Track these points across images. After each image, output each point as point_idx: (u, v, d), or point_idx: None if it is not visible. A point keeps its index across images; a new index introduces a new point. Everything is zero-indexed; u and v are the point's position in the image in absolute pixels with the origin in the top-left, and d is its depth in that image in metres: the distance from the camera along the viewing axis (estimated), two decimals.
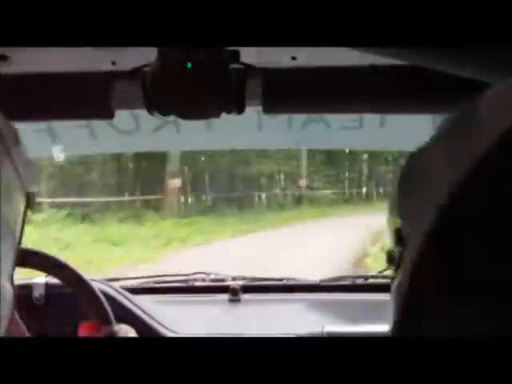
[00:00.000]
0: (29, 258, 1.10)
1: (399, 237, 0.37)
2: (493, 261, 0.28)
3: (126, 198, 14.75)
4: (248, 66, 0.82)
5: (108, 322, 1.06)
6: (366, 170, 23.59)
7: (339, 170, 22.51)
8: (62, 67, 0.85)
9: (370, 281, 1.59)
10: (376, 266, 5.72)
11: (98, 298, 1.08)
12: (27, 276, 1.32)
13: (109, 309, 1.08)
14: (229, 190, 17.13)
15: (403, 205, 0.37)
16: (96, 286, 1.11)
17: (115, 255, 8.22)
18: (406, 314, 0.32)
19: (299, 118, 1.23)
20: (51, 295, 1.26)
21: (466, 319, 0.29)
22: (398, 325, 0.33)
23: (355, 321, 1.31)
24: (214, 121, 1.18)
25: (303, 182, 17.10)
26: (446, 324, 0.30)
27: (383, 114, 1.16)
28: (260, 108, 0.88)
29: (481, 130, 0.32)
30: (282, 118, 1.24)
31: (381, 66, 0.81)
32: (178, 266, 6.47)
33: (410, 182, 0.38)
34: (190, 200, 17.16)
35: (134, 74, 0.82)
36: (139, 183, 15.39)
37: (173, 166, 14.08)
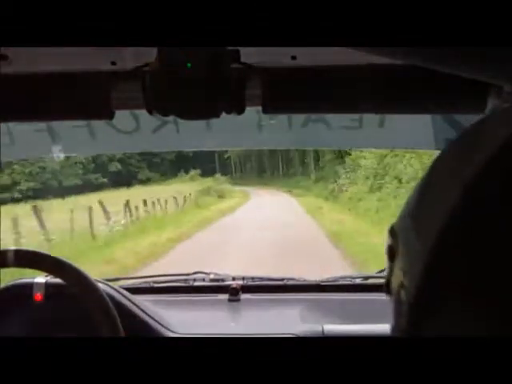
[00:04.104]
0: (34, 260, 1.10)
1: (390, 253, 0.39)
2: (504, 261, 0.28)
3: None
4: (248, 66, 0.82)
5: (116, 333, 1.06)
6: None
7: None
8: (62, 67, 0.85)
9: (370, 281, 1.59)
10: None
11: (108, 307, 1.08)
12: (27, 276, 1.32)
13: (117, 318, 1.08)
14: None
15: (417, 207, 0.38)
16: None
17: None
18: (419, 313, 0.32)
19: (299, 117, 1.22)
20: (51, 295, 1.26)
21: (479, 320, 0.29)
22: (410, 325, 0.33)
23: (354, 321, 1.31)
24: (214, 121, 1.18)
25: None
26: (458, 324, 0.30)
27: (383, 113, 1.16)
28: (260, 108, 0.88)
29: (492, 134, 0.32)
30: (282, 118, 1.24)
31: (381, 66, 0.81)
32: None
33: (426, 187, 0.39)
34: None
35: (134, 73, 0.82)
36: None
37: None
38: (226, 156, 31.82)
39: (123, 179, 24.79)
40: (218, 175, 29.14)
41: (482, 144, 0.32)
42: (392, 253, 0.40)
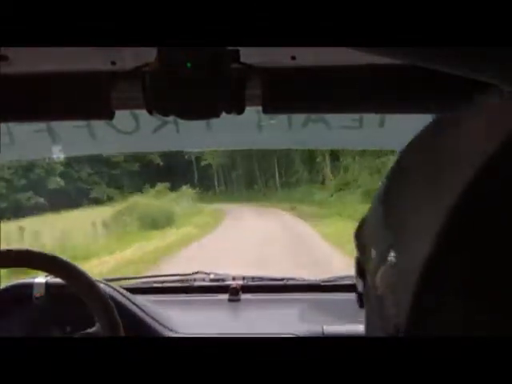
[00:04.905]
0: (38, 261, 1.10)
1: (359, 267, 0.39)
2: (506, 261, 0.28)
3: None
4: (248, 66, 0.82)
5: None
6: None
7: None
8: (62, 67, 0.85)
9: None
10: None
11: (108, 307, 1.08)
12: (27, 275, 1.32)
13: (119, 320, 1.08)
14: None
15: (394, 211, 0.38)
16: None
17: None
18: (419, 312, 0.32)
19: (299, 117, 1.23)
20: (51, 295, 1.27)
21: (480, 320, 0.29)
22: (407, 324, 0.33)
23: (355, 321, 1.31)
24: (214, 121, 1.18)
25: None
26: (459, 324, 0.30)
27: (383, 113, 1.17)
28: (260, 108, 0.88)
29: (488, 130, 0.32)
30: (282, 118, 1.24)
31: (381, 66, 0.81)
32: None
33: (400, 181, 0.38)
34: None
35: (134, 73, 0.82)
36: None
37: None
38: (202, 164, 24.11)
39: (69, 199, 18.50)
40: (184, 188, 20.72)
41: (479, 142, 0.32)
42: (361, 268, 0.40)
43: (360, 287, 0.42)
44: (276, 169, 22.30)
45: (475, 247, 0.30)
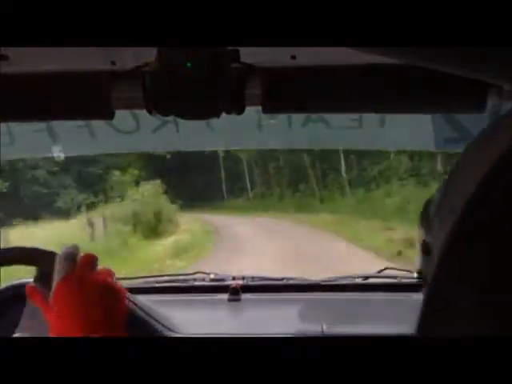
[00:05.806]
0: (36, 257, 1.10)
1: (425, 248, 0.39)
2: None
3: None
4: (248, 66, 0.82)
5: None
6: None
7: None
8: (62, 67, 0.85)
9: (370, 280, 1.59)
10: None
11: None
12: (28, 275, 1.32)
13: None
14: None
15: (438, 206, 0.38)
16: None
17: None
18: (430, 309, 0.32)
19: (299, 117, 1.23)
20: None
21: (485, 316, 0.29)
22: (421, 320, 0.33)
23: (355, 320, 1.31)
24: (214, 121, 1.18)
25: None
26: (466, 321, 0.30)
27: (383, 113, 1.17)
28: (260, 108, 0.88)
29: (503, 133, 0.32)
30: (281, 118, 1.24)
31: (381, 66, 0.81)
32: None
33: (445, 188, 0.39)
34: None
35: (134, 73, 0.82)
36: None
37: None
38: (222, 154, 15.54)
39: (15, 210, 11.82)
40: (149, 186, 13.66)
41: (494, 145, 0.33)
42: (427, 248, 0.40)
43: (422, 264, 0.42)
44: (341, 156, 12.82)
45: (483, 247, 0.30)
